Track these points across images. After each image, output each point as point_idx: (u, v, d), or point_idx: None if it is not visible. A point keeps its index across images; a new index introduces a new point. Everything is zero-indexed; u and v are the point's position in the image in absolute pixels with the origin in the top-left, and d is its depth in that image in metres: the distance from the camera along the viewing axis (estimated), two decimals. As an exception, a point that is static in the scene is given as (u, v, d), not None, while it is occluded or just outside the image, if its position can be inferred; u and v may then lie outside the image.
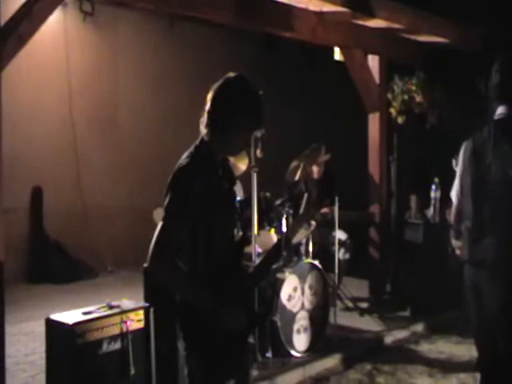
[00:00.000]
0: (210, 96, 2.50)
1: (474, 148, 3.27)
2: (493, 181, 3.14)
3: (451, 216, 3.49)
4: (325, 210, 6.03)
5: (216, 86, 2.51)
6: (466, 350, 5.16)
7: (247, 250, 4.61)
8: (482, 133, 3.24)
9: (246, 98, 2.48)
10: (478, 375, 3.43)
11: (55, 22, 7.43)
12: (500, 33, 6.36)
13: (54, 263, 7.45)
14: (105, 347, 3.60)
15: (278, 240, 2.70)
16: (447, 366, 5.07)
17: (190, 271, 2.42)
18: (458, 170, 3.43)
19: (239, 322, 2.41)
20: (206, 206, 2.39)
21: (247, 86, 2.50)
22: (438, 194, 6.24)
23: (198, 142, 2.53)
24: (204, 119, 2.50)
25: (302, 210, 2.80)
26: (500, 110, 3.18)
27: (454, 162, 4.76)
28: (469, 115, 6.72)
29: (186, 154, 2.49)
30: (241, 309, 2.42)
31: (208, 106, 2.50)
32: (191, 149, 2.51)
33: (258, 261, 2.66)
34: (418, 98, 6.82)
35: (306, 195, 2.92)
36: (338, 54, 7.13)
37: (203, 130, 2.51)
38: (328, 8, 5.61)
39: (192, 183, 2.37)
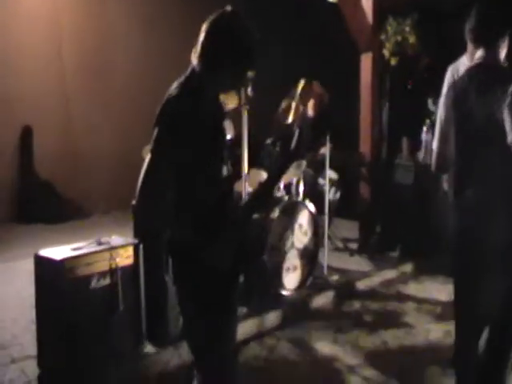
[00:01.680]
0: (204, 27, 2.44)
1: (455, 94, 3.23)
2: (477, 125, 3.11)
3: (433, 162, 3.42)
4: (323, 150, 5.90)
5: (212, 17, 2.44)
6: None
7: (238, 187, 4.62)
8: (463, 78, 3.20)
9: (240, 33, 2.41)
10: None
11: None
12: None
13: (44, 203, 7.43)
14: (94, 283, 3.60)
15: (267, 177, 2.68)
16: (434, 305, 5.16)
17: (178, 206, 2.39)
18: (439, 117, 3.38)
19: (225, 259, 2.40)
20: (194, 139, 2.34)
21: (243, 23, 2.44)
22: (430, 137, 6.21)
23: (188, 72, 2.46)
24: (197, 49, 2.44)
25: (292, 147, 2.77)
26: (479, 54, 3.12)
27: (429, 101, 4.70)
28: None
29: (175, 85, 2.43)
30: (227, 246, 2.41)
31: (201, 36, 2.43)
32: (181, 79, 2.44)
33: (246, 198, 2.63)
34: (412, 39, 6.71)
35: (296, 132, 2.88)
36: (330, -5, 6.99)
37: (194, 61, 2.44)
38: None
39: (181, 114, 2.32)
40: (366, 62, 6.62)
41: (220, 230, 2.42)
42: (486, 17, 3.12)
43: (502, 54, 3.12)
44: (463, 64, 3.53)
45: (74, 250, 3.61)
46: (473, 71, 3.13)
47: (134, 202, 3.87)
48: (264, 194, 2.68)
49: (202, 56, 2.42)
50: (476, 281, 3.17)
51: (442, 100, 3.33)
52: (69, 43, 7.84)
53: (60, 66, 7.80)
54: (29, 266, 3.73)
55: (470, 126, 3.09)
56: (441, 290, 5.40)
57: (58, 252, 3.57)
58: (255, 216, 4.55)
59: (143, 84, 8.15)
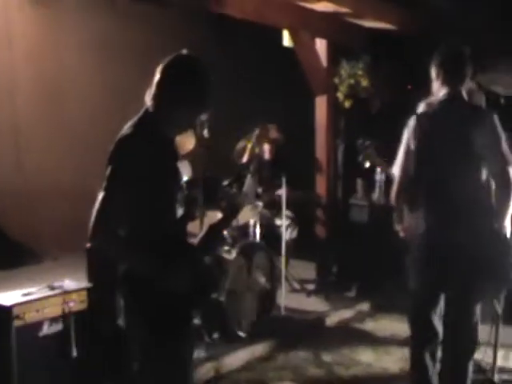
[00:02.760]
0: (160, 68, 2.49)
1: (421, 127, 3.38)
2: (444, 157, 3.27)
3: (392, 193, 3.55)
4: (279, 191, 5.93)
5: (167, 59, 2.50)
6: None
7: (192, 228, 4.59)
8: (427, 112, 3.47)
9: (195, 75, 2.48)
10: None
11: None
12: (440, 17, 6.47)
13: (-8, 247, 7.23)
14: (45, 329, 3.53)
15: (219, 219, 2.69)
16: (390, 342, 5.18)
17: (131, 243, 2.39)
18: (403, 148, 3.51)
19: (181, 282, 2.39)
20: (146, 178, 2.35)
21: (199, 65, 2.50)
22: (383, 177, 6.32)
23: (141, 113, 2.50)
24: (151, 91, 2.48)
25: (244, 190, 2.80)
26: (444, 91, 3.43)
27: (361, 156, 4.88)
28: (410, 98, 6.85)
29: (128, 124, 2.45)
30: (183, 271, 2.41)
31: (157, 77, 2.48)
32: (134, 120, 2.48)
33: (199, 237, 2.64)
34: (364, 83, 6.88)
35: (248, 176, 2.92)
36: (286, 40, 7.15)
37: (149, 102, 2.48)
38: (275, -11, 5.59)
39: (134, 154, 2.34)
40: (321, 104, 6.75)
41: (174, 264, 2.41)
42: (458, 57, 3.45)
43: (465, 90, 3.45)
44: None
45: (25, 295, 3.53)
46: (446, 105, 3.40)
47: (88, 245, 3.81)
48: (214, 235, 2.67)
49: (156, 96, 2.45)
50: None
51: (409, 131, 3.51)
52: (20, 77, 7.68)
53: (10, 98, 7.65)
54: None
55: (442, 155, 3.34)
56: (398, 328, 5.42)
57: (7, 297, 3.48)
58: (211, 257, 4.54)
59: (97, 122, 8.06)
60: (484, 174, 3.33)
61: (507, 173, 3.23)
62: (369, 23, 6.69)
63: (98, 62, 8.31)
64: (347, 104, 6.86)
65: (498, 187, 3.30)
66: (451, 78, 3.42)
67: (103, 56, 8.34)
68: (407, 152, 3.48)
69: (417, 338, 3.64)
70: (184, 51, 2.53)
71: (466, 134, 3.27)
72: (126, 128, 2.43)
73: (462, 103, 3.42)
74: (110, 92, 8.27)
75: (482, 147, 3.25)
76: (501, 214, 3.25)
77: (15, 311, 3.38)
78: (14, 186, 7.56)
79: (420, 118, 3.46)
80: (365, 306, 6.09)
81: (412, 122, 3.49)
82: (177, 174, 2.61)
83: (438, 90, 3.48)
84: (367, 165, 4.81)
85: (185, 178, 4.73)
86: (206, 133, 4.48)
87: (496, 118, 3.30)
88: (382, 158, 4.77)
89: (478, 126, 3.26)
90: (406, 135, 3.51)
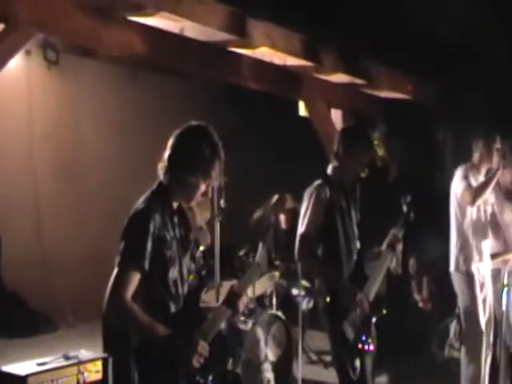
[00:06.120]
0: (170, 141, 2.56)
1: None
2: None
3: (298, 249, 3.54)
4: None
5: (177, 131, 2.57)
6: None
7: (208, 298, 4.57)
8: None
9: (205, 145, 2.52)
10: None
11: (18, 68, 7.40)
12: (448, 86, 6.59)
13: (10, 315, 7.20)
14: (60, 399, 3.47)
15: (229, 291, 2.68)
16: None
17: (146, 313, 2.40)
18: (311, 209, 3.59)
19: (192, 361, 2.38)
20: (160, 250, 2.41)
21: (207, 134, 2.56)
22: (400, 247, 6.27)
23: (154, 186, 2.55)
24: (163, 164, 2.54)
25: (256, 260, 2.81)
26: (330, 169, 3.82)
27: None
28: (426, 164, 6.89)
29: (141, 199, 2.50)
30: (194, 348, 2.40)
31: (168, 150, 2.54)
32: (147, 193, 2.53)
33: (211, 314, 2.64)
34: (380, 152, 6.94)
35: (260, 245, 2.92)
36: (302, 110, 7.31)
37: (161, 175, 2.53)
38: (291, 62, 5.73)
39: (147, 228, 2.37)
40: (337, 173, 6.78)
41: (187, 334, 2.43)
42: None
43: None
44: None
45: (40, 365, 3.50)
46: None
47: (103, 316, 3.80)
48: (231, 304, 2.65)
49: (168, 168, 2.50)
50: None
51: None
52: (41, 150, 7.88)
53: (31, 171, 7.81)
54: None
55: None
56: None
57: (22, 368, 3.46)
58: (227, 328, 4.50)
59: (115, 192, 8.20)
60: None
61: None
62: (384, 93, 6.81)
63: (117, 135, 8.52)
64: (363, 174, 6.89)
65: None
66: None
67: (122, 129, 8.55)
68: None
69: None
70: (193, 122, 2.59)
71: None
72: (139, 202, 2.49)
73: None
74: (126, 163, 8.44)
75: None
76: None
77: (30, 381, 3.35)
78: (33, 255, 7.63)
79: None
80: (383, 379, 5.93)
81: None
82: (189, 244, 2.64)
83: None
84: None
85: (201, 248, 4.75)
86: (222, 202, 4.52)
87: None
88: None
89: None
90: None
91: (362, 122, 4.09)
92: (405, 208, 3.76)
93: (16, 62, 7.27)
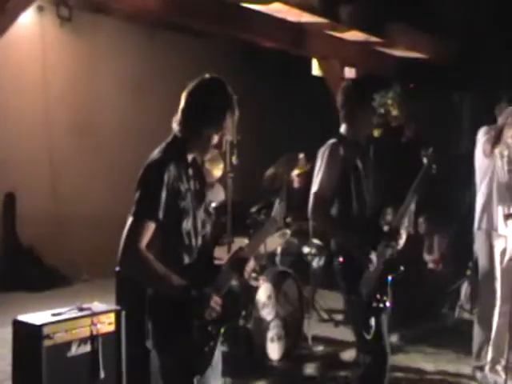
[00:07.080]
0: (184, 94, 2.58)
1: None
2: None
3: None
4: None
5: (191, 85, 2.58)
6: (439, 362, 5.25)
7: (220, 254, 4.60)
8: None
9: (218, 96, 2.55)
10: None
11: (31, 26, 7.39)
12: (471, 47, 6.47)
13: (27, 270, 7.33)
14: (74, 350, 3.55)
15: (234, 255, 2.68)
16: (419, 373, 5.10)
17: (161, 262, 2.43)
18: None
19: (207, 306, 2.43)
20: (174, 201, 2.43)
21: (221, 86, 2.58)
22: (413, 206, 6.26)
23: (169, 139, 2.58)
24: (177, 116, 2.56)
25: (272, 216, 2.82)
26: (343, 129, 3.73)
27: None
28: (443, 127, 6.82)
29: (157, 150, 2.53)
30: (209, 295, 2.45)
31: (182, 103, 2.56)
32: (163, 145, 2.55)
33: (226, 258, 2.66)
34: (394, 112, 6.89)
35: (277, 202, 2.92)
36: (315, 69, 7.23)
37: (176, 128, 2.55)
38: (306, 18, 5.66)
39: (163, 178, 2.40)
40: (350, 133, 6.74)
41: (200, 287, 2.46)
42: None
43: None
44: None
45: (54, 315, 3.57)
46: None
47: (117, 269, 3.85)
48: (240, 260, 2.67)
49: (182, 121, 2.52)
50: None
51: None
52: (56, 108, 7.90)
53: (46, 129, 7.84)
54: (7, 335, 3.66)
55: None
56: (427, 360, 5.33)
57: (37, 317, 3.53)
58: (238, 283, 4.54)
59: (130, 148, 8.22)
60: None
61: None
62: (399, 52, 6.71)
63: (131, 93, 8.48)
64: (377, 133, 6.85)
65: None
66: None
67: (137, 87, 8.51)
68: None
69: None
70: (207, 75, 2.59)
71: None
72: (155, 154, 2.51)
73: None
74: (142, 120, 8.43)
75: None
76: None
77: (45, 331, 3.42)
78: (49, 213, 7.72)
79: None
80: (394, 338, 5.97)
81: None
82: (203, 197, 2.66)
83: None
84: None
85: (213, 204, 4.77)
86: (234, 159, 4.52)
87: None
88: None
89: None
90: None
91: (362, 80, 4.00)
92: (425, 160, 3.64)
93: (29, 19, 7.26)
